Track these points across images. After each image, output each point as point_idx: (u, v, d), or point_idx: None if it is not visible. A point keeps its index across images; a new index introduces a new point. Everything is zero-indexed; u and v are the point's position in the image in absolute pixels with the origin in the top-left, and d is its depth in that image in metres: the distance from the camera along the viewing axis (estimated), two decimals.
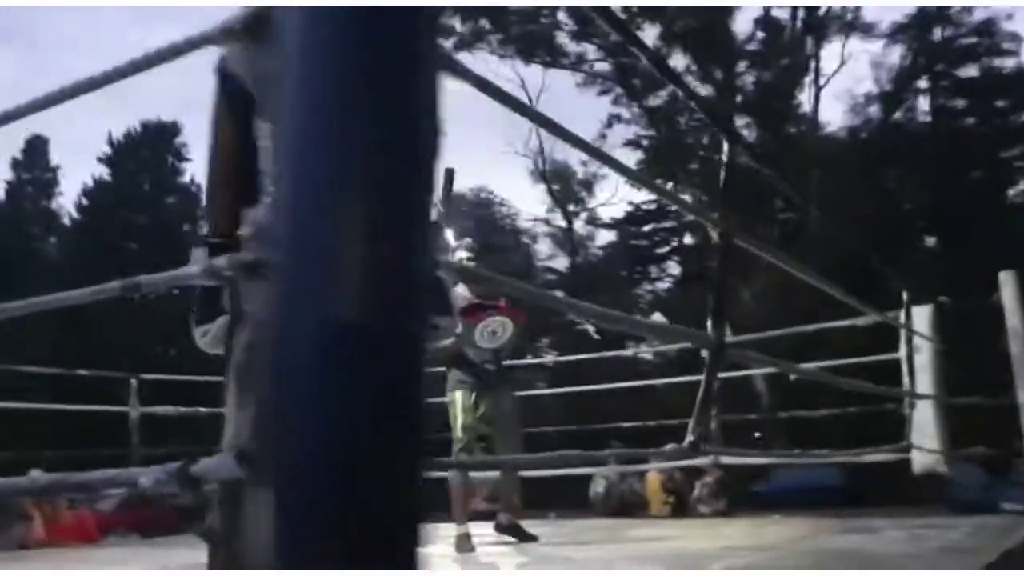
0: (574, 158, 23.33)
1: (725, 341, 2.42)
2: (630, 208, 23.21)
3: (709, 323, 2.43)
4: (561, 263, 23.94)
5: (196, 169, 25.04)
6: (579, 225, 24.04)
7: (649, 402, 10.93)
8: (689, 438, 2.40)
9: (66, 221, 25.16)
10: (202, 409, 6.24)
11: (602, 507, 8.80)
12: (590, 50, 21.09)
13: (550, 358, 17.97)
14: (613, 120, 21.96)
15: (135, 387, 6.67)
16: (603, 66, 21.40)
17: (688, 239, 23.09)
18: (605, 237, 24.47)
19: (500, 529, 4.89)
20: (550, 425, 12.06)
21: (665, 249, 24.05)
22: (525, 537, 4.84)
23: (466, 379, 4.98)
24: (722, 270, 2.39)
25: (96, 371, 7.70)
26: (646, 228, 23.80)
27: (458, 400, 4.97)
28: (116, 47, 33.26)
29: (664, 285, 24.04)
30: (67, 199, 25.97)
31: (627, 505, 8.70)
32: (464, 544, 4.71)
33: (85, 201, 24.50)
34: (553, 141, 23.01)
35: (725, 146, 2.37)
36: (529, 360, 12.00)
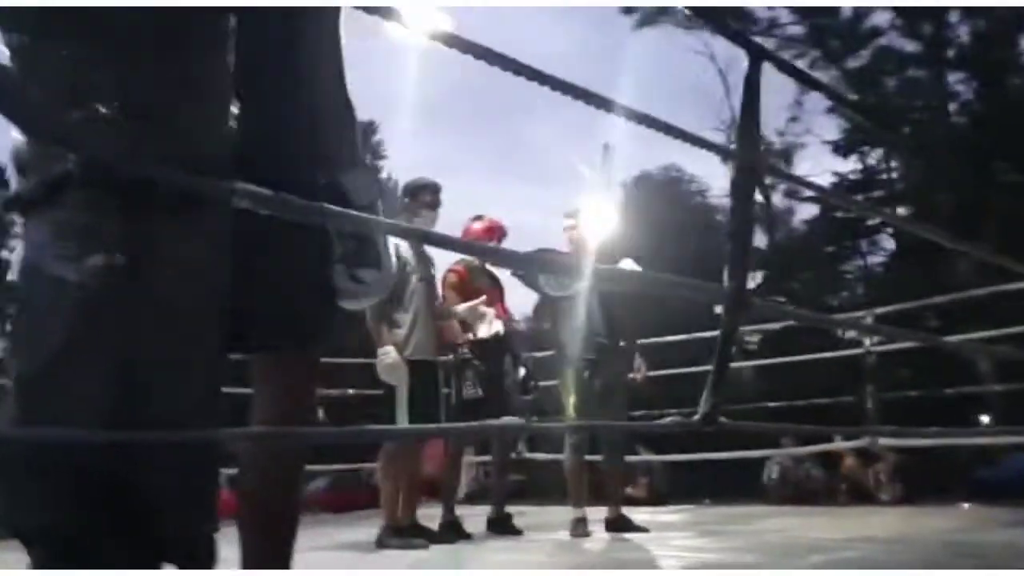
0: (770, 128, 22.23)
1: (746, 293, 2.04)
2: (835, 179, 21.74)
3: (725, 274, 2.06)
4: (759, 240, 22.80)
5: (392, 166, 25.90)
6: (777, 199, 22.81)
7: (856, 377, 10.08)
8: (702, 408, 2.05)
9: None
10: None
11: (775, 494, 8.21)
12: (783, 14, 19.94)
13: (752, 337, 17.15)
14: None
15: None
16: (796, 29, 20.21)
17: (901, 209, 21.39)
18: (807, 211, 23.06)
19: (609, 527, 4.59)
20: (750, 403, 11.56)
21: (876, 220, 22.34)
22: (637, 528, 4.53)
23: (577, 356, 4.69)
24: (742, 211, 2.00)
25: None
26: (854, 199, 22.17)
27: (569, 379, 4.71)
28: None
29: (877, 259, 22.35)
30: None
31: (802, 492, 8.07)
32: (579, 528, 4.46)
33: None
34: None
35: (745, 64, 1.98)
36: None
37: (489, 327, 4.78)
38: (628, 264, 4.56)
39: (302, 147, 1.67)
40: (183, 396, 1.30)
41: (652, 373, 5.21)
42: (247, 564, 1.62)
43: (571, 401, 4.69)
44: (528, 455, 7.07)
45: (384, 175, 26.52)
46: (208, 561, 1.34)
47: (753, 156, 2.08)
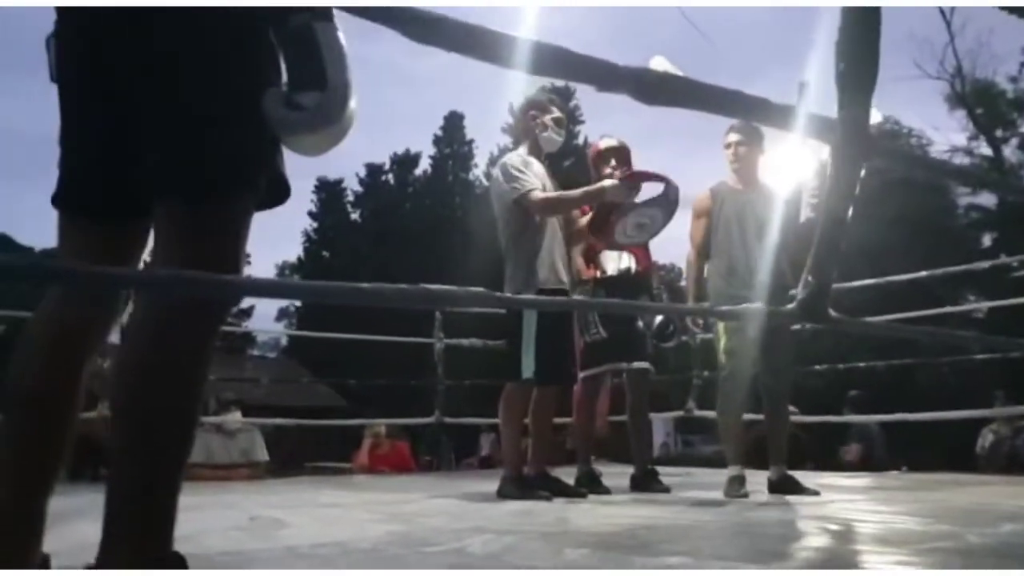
0: (1002, 75, 20.04)
1: (867, 129, 1.47)
2: None
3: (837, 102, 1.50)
4: (988, 199, 20.57)
5: (589, 131, 25.41)
6: (1009, 152, 20.51)
7: None
8: (800, 294, 1.48)
9: (478, 190, 27.06)
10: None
11: (987, 463, 7.18)
12: None
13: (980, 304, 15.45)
14: None
15: (439, 319, 6.61)
16: None
17: None
18: None
19: (772, 488, 3.94)
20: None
21: None
22: (805, 491, 3.86)
23: (724, 292, 4.06)
24: None
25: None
26: None
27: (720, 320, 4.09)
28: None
29: None
30: (480, 170, 27.89)
31: (1018, 463, 6.98)
32: (734, 487, 3.85)
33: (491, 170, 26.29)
34: (975, 58, 19.93)
35: None
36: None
37: (617, 262, 4.31)
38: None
39: None
40: None
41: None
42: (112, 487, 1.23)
43: (722, 344, 4.08)
44: (698, 413, 6.43)
45: (580, 140, 26.20)
46: None
47: None
